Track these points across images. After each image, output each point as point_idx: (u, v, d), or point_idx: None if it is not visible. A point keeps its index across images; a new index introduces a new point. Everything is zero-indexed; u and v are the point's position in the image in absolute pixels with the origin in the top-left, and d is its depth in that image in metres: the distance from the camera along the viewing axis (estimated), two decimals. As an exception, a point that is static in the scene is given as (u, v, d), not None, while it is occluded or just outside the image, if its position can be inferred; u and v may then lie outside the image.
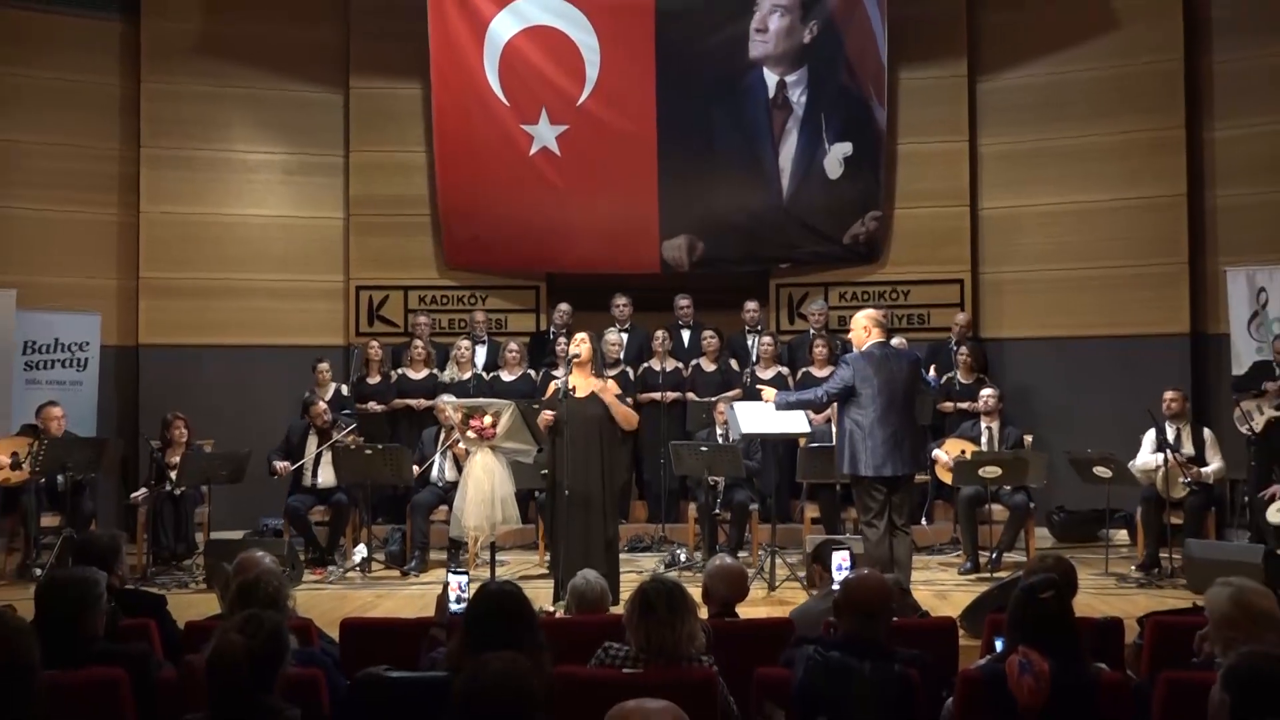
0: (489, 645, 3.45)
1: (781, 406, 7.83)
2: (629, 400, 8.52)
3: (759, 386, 8.54)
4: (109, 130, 11.31)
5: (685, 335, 10.95)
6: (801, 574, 8.17)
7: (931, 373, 10.41)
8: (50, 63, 11.02)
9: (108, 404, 11.07)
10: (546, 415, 7.56)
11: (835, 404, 7.53)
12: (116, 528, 9.25)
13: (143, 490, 9.31)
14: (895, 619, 4.34)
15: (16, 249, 10.84)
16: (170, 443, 9.45)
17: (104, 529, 8.71)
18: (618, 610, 4.87)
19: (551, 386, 7.78)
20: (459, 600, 4.66)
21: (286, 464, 9.43)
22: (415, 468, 9.26)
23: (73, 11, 11.14)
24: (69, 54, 11.11)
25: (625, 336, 10.63)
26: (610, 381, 7.90)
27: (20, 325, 10.62)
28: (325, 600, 7.84)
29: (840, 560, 6.09)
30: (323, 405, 9.68)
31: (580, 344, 7.69)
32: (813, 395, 7.72)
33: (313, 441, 9.51)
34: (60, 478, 9.05)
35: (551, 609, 6.68)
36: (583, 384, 7.57)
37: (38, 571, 8.26)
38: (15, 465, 9.05)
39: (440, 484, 9.41)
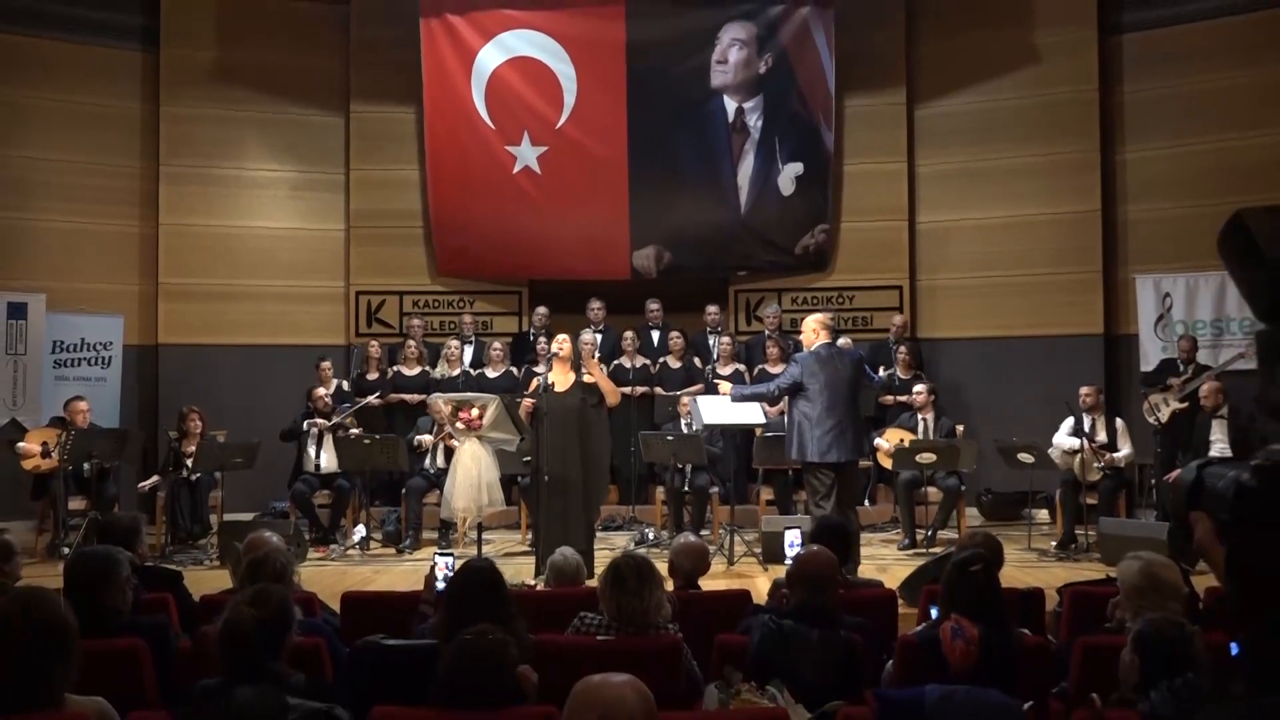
0: (468, 613, 3.46)
1: (737, 399, 7.87)
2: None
3: (717, 382, 8.56)
4: (131, 149, 11.20)
5: (654, 335, 10.94)
6: (758, 550, 8.18)
7: (881, 372, 10.44)
8: (78, 88, 10.91)
9: (130, 398, 10.98)
10: (528, 402, 7.57)
11: (786, 397, 7.58)
12: (138, 510, 9.20)
13: (154, 478, 9.26)
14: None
15: (46, 257, 10.73)
16: (186, 433, 9.41)
17: (126, 511, 8.67)
18: (592, 583, 4.86)
19: (534, 382, 7.78)
20: (445, 579, 4.65)
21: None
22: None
23: (99, 42, 11.03)
24: (95, 81, 11.01)
25: (599, 336, 10.61)
26: (594, 362, 7.89)
27: (50, 326, 10.55)
28: (327, 576, 7.80)
29: (792, 538, 6.11)
30: (322, 390, 9.71)
31: (562, 344, 7.69)
32: (765, 389, 7.77)
33: (314, 433, 9.49)
34: (86, 465, 8.99)
35: (533, 582, 6.67)
36: (562, 379, 7.56)
37: (65, 550, 8.18)
38: (45, 454, 9.00)
39: (432, 470, 9.38)
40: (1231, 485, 1.38)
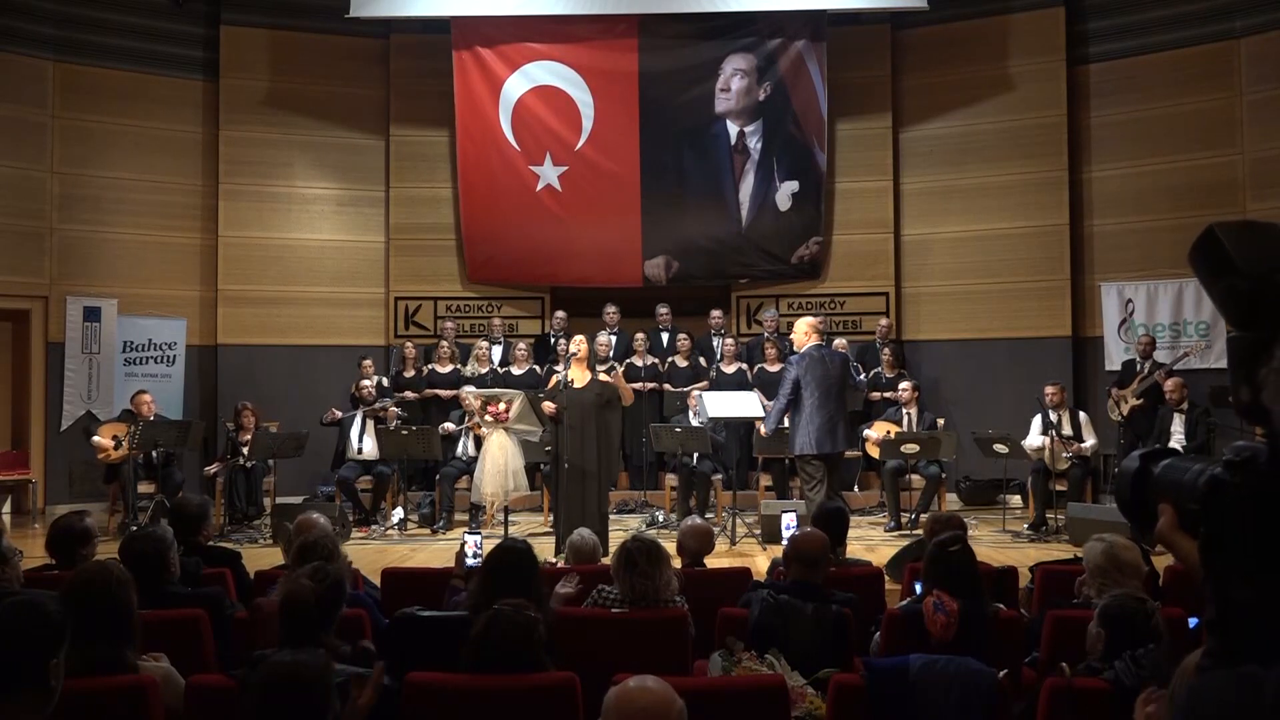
0: (504, 587, 3.45)
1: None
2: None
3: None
4: (194, 169, 11.23)
5: (664, 337, 10.92)
6: (758, 531, 8.16)
7: (863, 376, 10.37)
8: (146, 114, 10.95)
9: (192, 393, 11.02)
10: (548, 406, 7.53)
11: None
12: (200, 494, 9.22)
13: (216, 464, 9.29)
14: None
15: (118, 265, 10.77)
16: (242, 426, 9.43)
17: (194, 495, 8.68)
18: (607, 561, 4.86)
19: (554, 380, 7.77)
20: (474, 556, 4.65)
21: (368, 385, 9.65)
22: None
23: (165, 73, 11.07)
24: (162, 108, 11.04)
25: (614, 338, 10.61)
26: (614, 373, 7.80)
27: (121, 328, 10.61)
28: (369, 553, 7.80)
29: (789, 521, 6.09)
30: (367, 383, 9.72)
31: (579, 344, 7.68)
32: (781, 403, 7.61)
33: (359, 415, 9.52)
34: (154, 453, 9.01)
35: (554, 560, 6.66)
36: (580, 376, 7.55)
37: (134, 529, 8.20)
38: (116, 446, 9.02)
39: (463, 458, 9.38)
40: (1202, 477, 1.36)
